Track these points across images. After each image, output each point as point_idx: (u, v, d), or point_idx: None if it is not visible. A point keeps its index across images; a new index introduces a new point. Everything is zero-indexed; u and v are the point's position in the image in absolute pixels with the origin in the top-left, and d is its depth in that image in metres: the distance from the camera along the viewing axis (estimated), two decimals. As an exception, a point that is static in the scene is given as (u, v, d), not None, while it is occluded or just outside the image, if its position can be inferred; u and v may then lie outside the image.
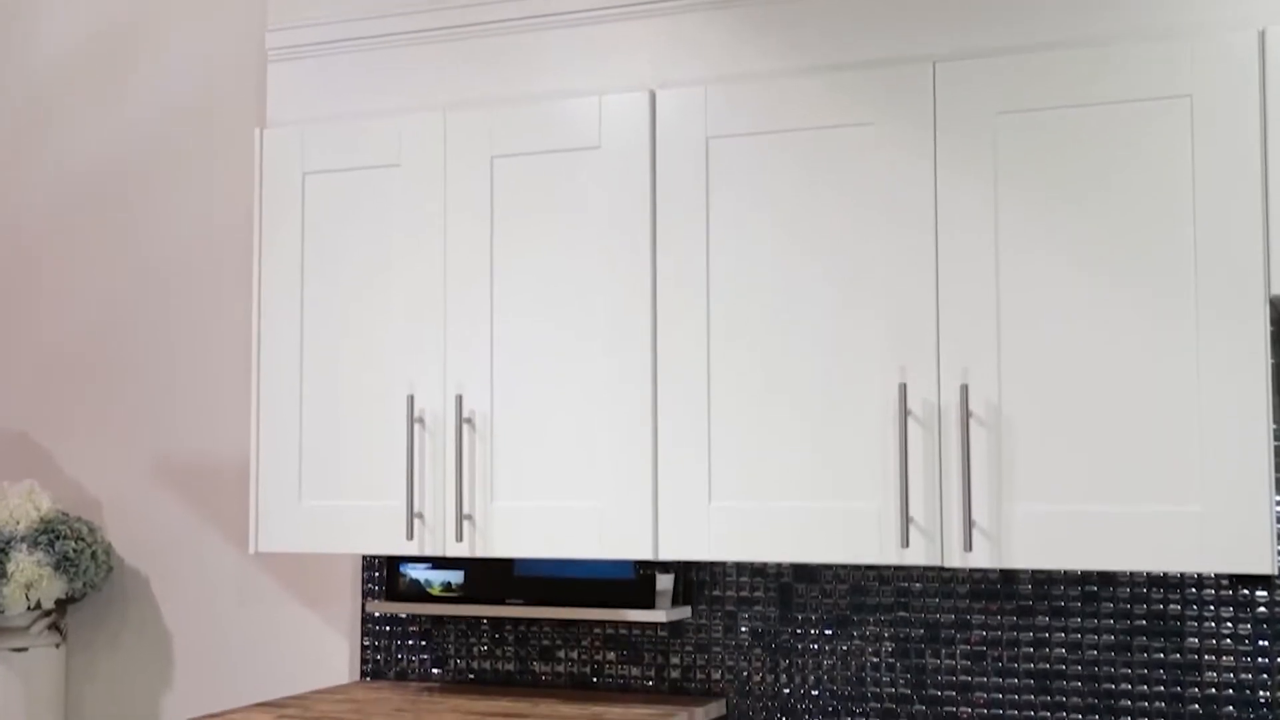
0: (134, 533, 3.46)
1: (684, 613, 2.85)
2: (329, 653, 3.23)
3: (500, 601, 2.93)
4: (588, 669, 2.95)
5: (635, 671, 2.91)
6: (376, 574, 3.12)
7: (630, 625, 2.91)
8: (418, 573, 3.00)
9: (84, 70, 3.57)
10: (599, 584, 2.85)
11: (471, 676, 3.05)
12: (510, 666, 3.01)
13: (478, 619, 3.03)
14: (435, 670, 3.07)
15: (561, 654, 2.97)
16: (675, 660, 2.88)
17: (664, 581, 2.83)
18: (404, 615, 3.08)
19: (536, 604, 2.90)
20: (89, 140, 3.56)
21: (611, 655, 2.93)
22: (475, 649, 3.04)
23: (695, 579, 2.87)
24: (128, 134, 3.51)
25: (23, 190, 3.64)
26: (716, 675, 2.85)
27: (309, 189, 2.82)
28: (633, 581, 2.82)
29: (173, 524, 3.42)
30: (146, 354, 3.48)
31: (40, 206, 3.62)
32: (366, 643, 3.13)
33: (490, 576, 2.94)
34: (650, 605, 2.81)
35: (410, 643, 3.10)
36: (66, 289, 3.58)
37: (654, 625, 2.88)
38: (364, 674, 3.14)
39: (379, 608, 3.01)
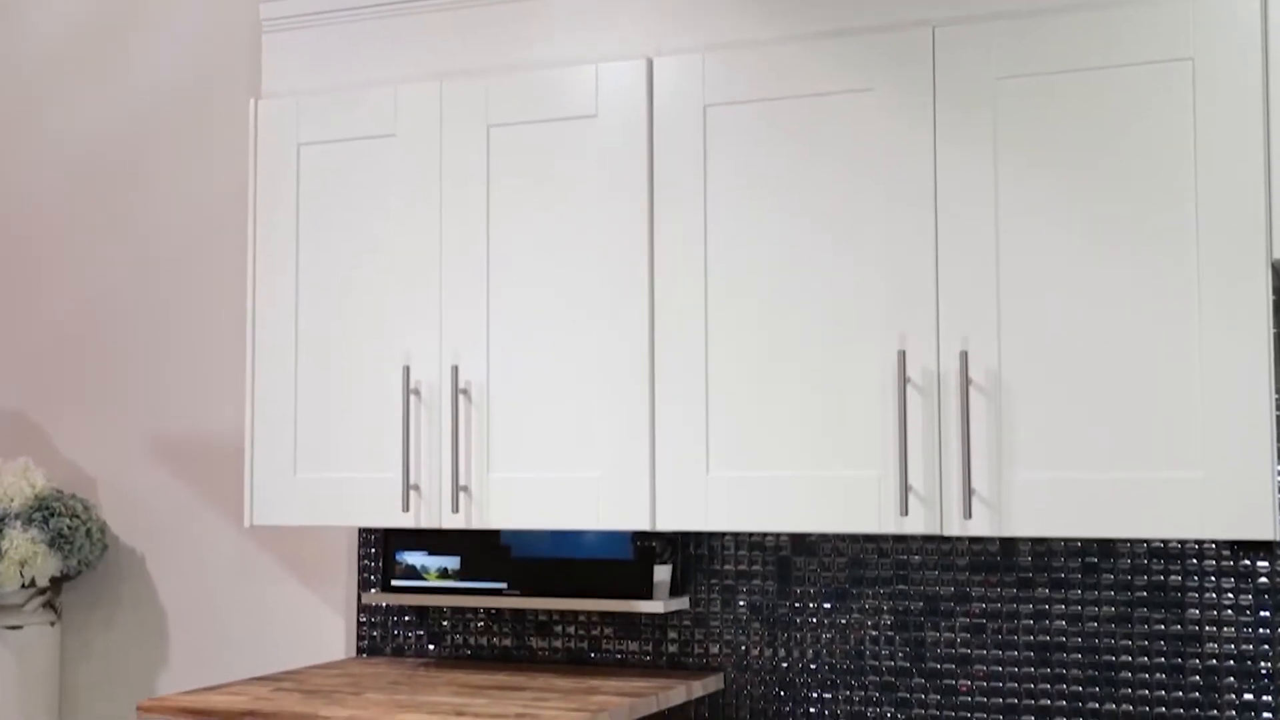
0: (129, 511, 3.45)
1: (681, 603, 2.83)
2: (325, 629, 3.21)
3: (496, 581, 2.89)
4: (585, 644, 2.93)
5: (633, 646, 2.90)
6: (372, 563, 3.10)
7: (628, 569, 2.84)
8: (414, 558, 2.97)
9: (78, 46, 3.55)
10: (597, 565, 2.82)
11: (468, 653, 3.03)
12: (507, 643, 3.00)
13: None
14: (431, 647, 3.06)
15: (559, 629, 2.96)
16: (673, 635, 2.86)
17: (661, 572, 2.81)
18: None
19: (533, 594, 2.86)
20: (84, 117, 3.54)
21: (609, 630, 2.91)
22: (472, 625, 3.02)
23: (693, 553, 2.86)
24: (122, 110, 3.49)
25: (18, 168, 3.62)
26: (715, 649, 2.83)
27: (304, 160, 2.80)
28: (631, 563, 2.80)
29: (168, 502, 3.40)
30: (142, 332, 3.46)
31: (35, 184, 3.60)
32: (363, 619, 3.12)
33: (486, 560, 2.90)
34: (648, 595, 2.78)
35: (407, 618, 3.08)
36: (62, 267, 3.56)
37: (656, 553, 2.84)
38: (360, 650, 3.12)
39: (375, 599, 2.99)
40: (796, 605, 2.79)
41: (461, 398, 2.63)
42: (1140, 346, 2.25)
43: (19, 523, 3.25)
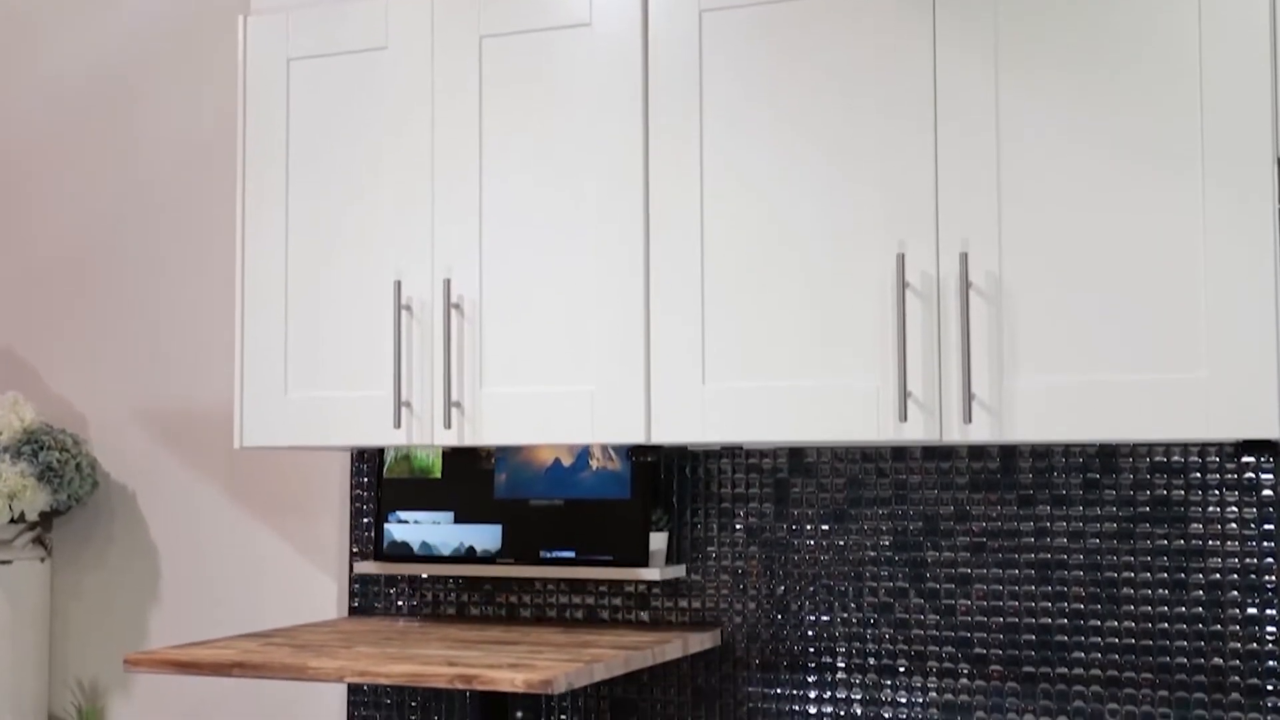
0: (120, 449, 3.41)
1: (678, 571, 2.79)
2: (317, 565, 3.17)
3: (490, 522, 2.86)
4: (580, 608, 2.88)
5: (630, 604, 2.84)
6: (366, 534, 3.05)
7: (624, 529, 2.82)
8: (407, 534, 2.93)
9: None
10: (591, 506, 2.78)
11: (460, 611, 2.99)
12: (500, 601, 2.95)
13: (468, 545, 2.95)
14: (426, 607, 3.02)
15: (554, 596, 2.90)
16: (669, 599, 2.80)
17: (657, 540, 2.77)
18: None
19: (527, 562, 2.82)
20: (74, 51, 3.50)
21: (604, 590, 2.87)
22: (465, 591, 2.96)
23: (689, 475, 2.82)
24: (112, 38, 3.45)
25: (7, 103, 3.58)
26: (711, 605, 2.79)
27: (294, 76, 2.76)
28: (630, 501, 2.76)
29: (159, 440, 3.36)
30: (134, 269, 3.42)
31: (22, 116, 3.56)
32: (355, 557, 3.08)
33: (473, 506, 2.87)
34: (644, 563, 2.74)
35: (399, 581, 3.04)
36: (51, 199, 3.52)
37: (651, 522, 2.81)
38: (352, 609, 3.08)
39: (367, 568, 2.95)
40: (794, 527, 2.75)
41: (454, 312, 2.59)
42: (1144, 246, 2.21)
43: (8, 456, 3.21)
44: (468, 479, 2.89)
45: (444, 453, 2.91)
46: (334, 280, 2.71)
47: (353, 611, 3.08)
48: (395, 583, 3.04)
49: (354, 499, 3.09)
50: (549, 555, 2.82)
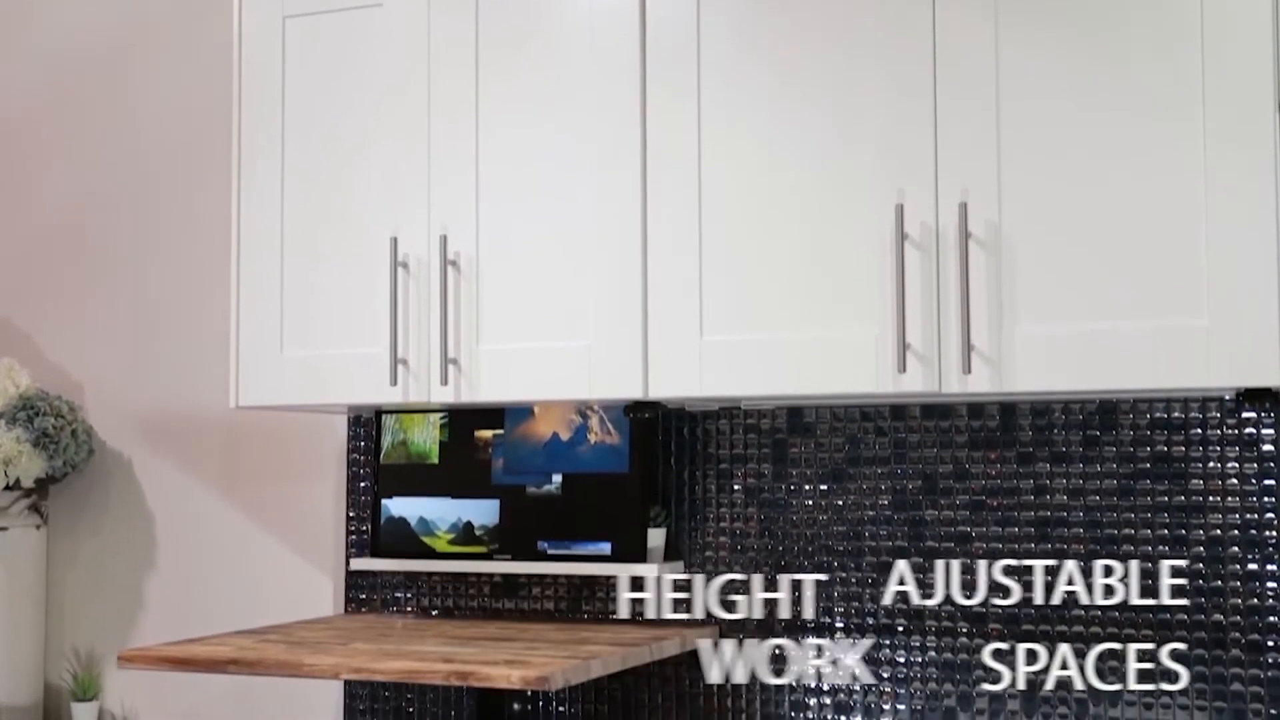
0: (117, 416, 3.40)
1: (676, 568, 2.77)
2: (314, 535, 3.16)
3: (485, 499, 2.84)
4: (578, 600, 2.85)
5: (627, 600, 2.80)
6: (363, 498, 3.03)
7: (622, 513, 2.78)
8: (404, 509, 2.91)
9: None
10: (589, 490, 2.77)
11: (458, 606, 2.97)
12: (498, 597, 2.94)
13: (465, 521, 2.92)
14: (423, 600, 3.00)
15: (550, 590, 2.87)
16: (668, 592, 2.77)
17: (655, 537, 2.75)
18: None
19: (525, 559, 2.80)
20: (68, 17, 3.49)
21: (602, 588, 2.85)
22: (460, 586, 2.94)
23: (687, 437, 2.81)
24: (106, 6, 3.44)
25: (2, 72, 3.57)
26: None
27: (289, 34, 2.74)
28: (629, 476, 2.74)
29: (156, 407, 3.35)
30: (130, 236, 3.41)
31: (19, 85, 3.55)
32: (351, 530, 3.07)
33: (468, 478, 2.85)
34: (642, 558, 2.72)
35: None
36: (46, 166, 3.51)
37: (650, 518, 2.78)
38: (348, 601, 3.07)
39: (363, 564, 2.93)
40: (792, 487, 2.74)
41: (450, 269, 2.58)
42: (1144, 193, 2.20)
43: (3, 422, 3.20)
44: (465, 465, 2.86)
45: (441, 441, 2.89)
46: (330, 238, 2.70)
47: (349, 605, 3.06)
48: (392, 578, 3.02)
49: (350, 463, 3.07)
50: (546, 547, 2.79)
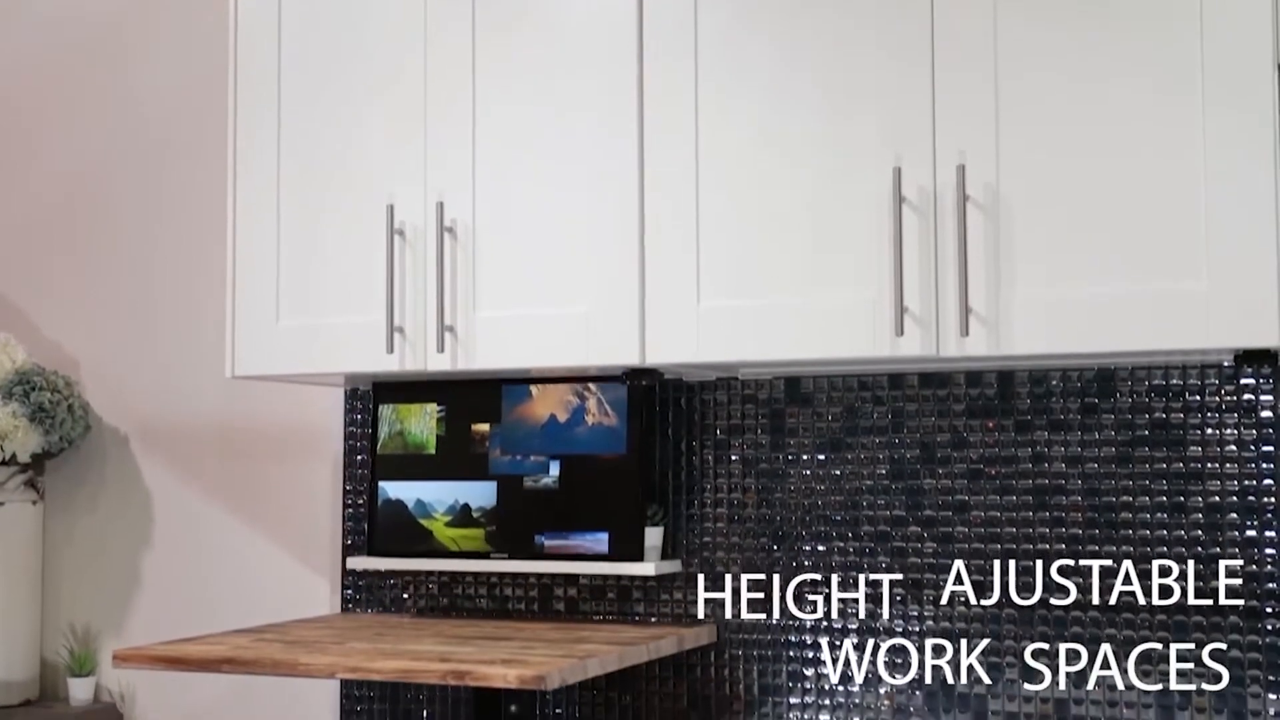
0: (113, 393, 3.39)
1: (674, 566, 2.76)
2: (311, 514, 3.15)
3: (478, 479, 2.83)
4: (574, 598, 2.83)
5: (623, 601, 2.80)
6: (360, 472, 3.03)
7: (620, 504, 2.77)
8: (401, 492, 2.90)
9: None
10: (587, 481, 2.75)
11: (454, 605, 2.97)
12: (492, 596, 2.94)
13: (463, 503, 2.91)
14: (420, 600, 2.99)
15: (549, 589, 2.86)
16: (665, 592, 2.77)
17: (653, 535, 2.74)
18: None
19: (521, 557, 2.78)
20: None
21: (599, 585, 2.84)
22: (457, 584, 2.93)
23: (684, 408, 2.80)
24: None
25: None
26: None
27: (286, 3, 2.74)
28: (624, 456, 2.73)
29: (153, 384, 3.34)
30: (126, 211, 3.40)
31: (15, 61, 3.54)
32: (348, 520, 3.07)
33: (465, 466, 2.84)
34: (639, 556, 2.70)
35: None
36: (44, 140, 3.50)
37: (647, 516, 2.78)
38: (345, 599, 3.06)
39: (360, 563, 2.92)
40: (790, 457, 2.73)
41: (447, 236, 2.57)
42: (1142, 155, 2.19)
43: (-1, 396, 3.19)
44: (461, 455, 2.85)
45: (437, 435, 2.88)
46: (326, 206, 2.69)
47: (345, 604, 3.05)
48: (389, 576, 3.01)
49: (348, 436, 3.07)
50: (544, 539, 2.78)
